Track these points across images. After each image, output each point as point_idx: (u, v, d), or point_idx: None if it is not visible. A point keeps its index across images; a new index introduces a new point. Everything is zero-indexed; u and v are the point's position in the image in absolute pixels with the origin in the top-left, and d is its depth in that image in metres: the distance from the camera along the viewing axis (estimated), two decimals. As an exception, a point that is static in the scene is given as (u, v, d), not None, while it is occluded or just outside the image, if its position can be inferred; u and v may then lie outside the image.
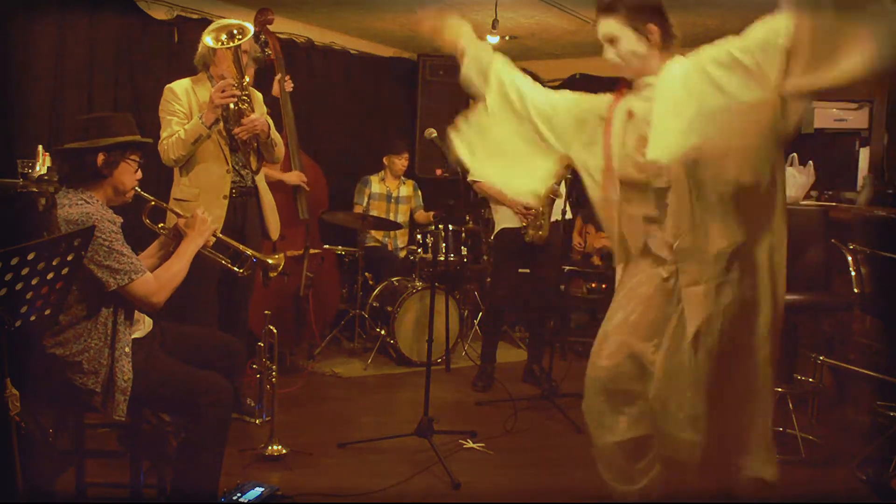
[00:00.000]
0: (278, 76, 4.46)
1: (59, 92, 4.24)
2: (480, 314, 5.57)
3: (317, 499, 2.99)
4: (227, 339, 2.95)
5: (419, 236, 5.34)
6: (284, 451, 3.31)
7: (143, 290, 2.48)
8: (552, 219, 4.36)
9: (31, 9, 4.06)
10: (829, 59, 1.83)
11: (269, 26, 4.50)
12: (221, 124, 3.50)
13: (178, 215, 2.85)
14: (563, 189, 4.28)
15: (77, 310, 2.43)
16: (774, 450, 2.32)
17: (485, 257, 5.66)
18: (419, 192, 5.89)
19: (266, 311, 3.36)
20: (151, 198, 2.76)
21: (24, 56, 4.07)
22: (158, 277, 2.56)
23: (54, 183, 3.05)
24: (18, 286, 1.88)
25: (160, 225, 2.92)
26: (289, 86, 4.49)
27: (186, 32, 4.72)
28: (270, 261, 3.13)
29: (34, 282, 1.93)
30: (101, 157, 2.51)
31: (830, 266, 3.88)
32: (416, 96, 6.42)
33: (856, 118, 5.08)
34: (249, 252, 3.06)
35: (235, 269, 3.02)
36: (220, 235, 2.95)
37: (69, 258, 2.00)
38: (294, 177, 4.57)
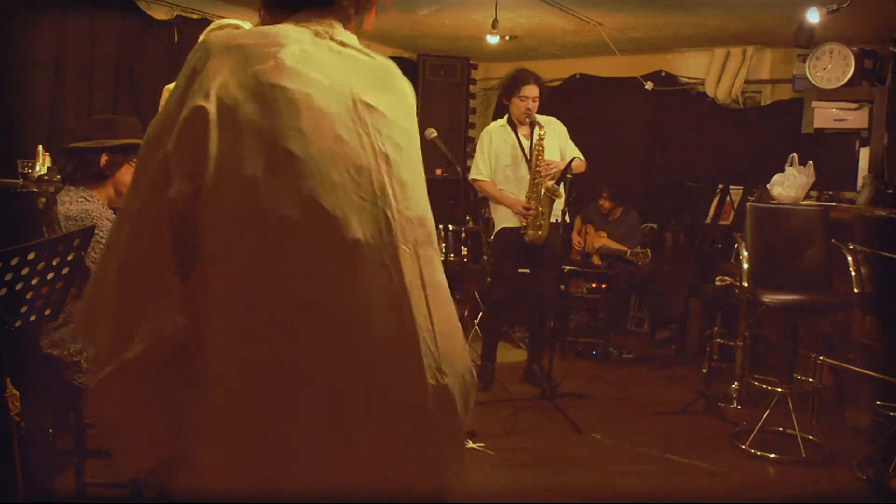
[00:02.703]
0: None
1: (59, 92, 4.23)
2: (480, 314, 5.57)
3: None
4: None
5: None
6: (284, 451, 3.30)
7: None
8: (552, 220, 4.35)
9: (32, 9, 4.06)
10: None
11: None
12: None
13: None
14: (562, 190, 4.27)
15: (72, 307, 2.43)
16: None
17: (484, 257, 5.65)
18: None
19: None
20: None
21: (25, 56, 4.06)
22: None
23: (54, 182, 3.06)
24: (18, 286, 1.88)
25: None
26: None
27: (186, 32, 4.71)
28: None
29: (34, 282, 1.93)
30: (104, 158, 2.53)
31: (830, 266, 3.89)
32: (417, 96, 6.41)
33: (856, 118, 5.07)
34: None
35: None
36: None
37: (69, 258, 2.00)
38: None
